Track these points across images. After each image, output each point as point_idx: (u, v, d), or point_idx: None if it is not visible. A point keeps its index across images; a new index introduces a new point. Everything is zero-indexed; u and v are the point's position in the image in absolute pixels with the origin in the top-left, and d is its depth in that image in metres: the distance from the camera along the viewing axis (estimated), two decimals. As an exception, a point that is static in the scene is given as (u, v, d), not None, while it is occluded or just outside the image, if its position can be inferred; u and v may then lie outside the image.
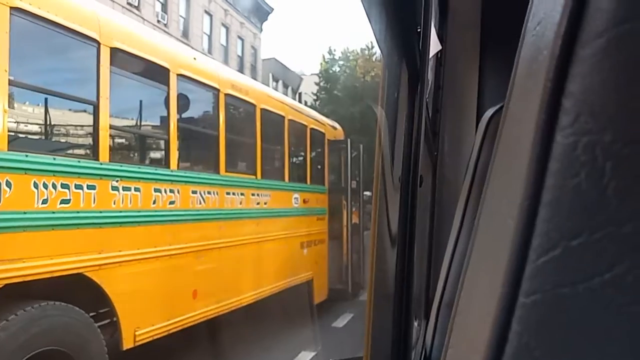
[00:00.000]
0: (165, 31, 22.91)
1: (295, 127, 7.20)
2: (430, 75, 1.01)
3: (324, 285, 7.76)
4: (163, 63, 4.67)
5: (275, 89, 36.16)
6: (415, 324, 1.07)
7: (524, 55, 0.31)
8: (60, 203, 3.44)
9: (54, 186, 3.37)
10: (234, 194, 5.60)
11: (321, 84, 31.38)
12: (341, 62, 31.23)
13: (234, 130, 5.80)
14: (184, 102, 5.02)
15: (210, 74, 5.50)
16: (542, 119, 0.27)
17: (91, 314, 3.72)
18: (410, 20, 0.75)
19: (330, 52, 32.27)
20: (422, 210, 0.98)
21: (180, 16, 24.65)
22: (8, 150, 3.17)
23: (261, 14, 32.03)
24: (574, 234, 0.26)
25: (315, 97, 31.85)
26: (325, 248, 7.94)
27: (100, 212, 3.74)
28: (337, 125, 9.12)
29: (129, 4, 20.83)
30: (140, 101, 4.71)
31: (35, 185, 3.23)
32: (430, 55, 0.87)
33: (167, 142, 4.58)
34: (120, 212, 3.93)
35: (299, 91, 39.25)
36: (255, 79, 32.26)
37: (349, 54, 31.10)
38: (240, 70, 30.09)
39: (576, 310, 0.26)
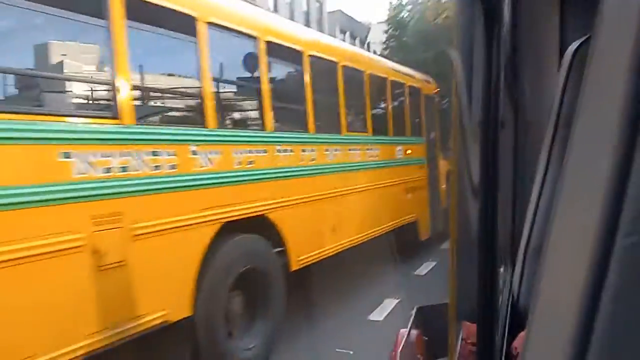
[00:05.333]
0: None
1: (396, 87, 8.07)
2: (507, 12, 0.95)
3: (427, 226, 8.72)
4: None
5: (343, 40, 35.66)
6: (501, 270, 1.06)
7: None
8: (248, 164, 4.57)
9: (244, 152, 4.55)
10: (352, 150, 6.62)
11: (390, 31, 30.44)
12: (409, 7, 30.04)
13: (350, 96, 6.63)
14: (330, 82, 6.28)
15: (352, 56, 6.98)
16: (636, 48, 0.25)
17: (270, 244, 4.82)
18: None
19: (397, -3, 31.11)
20: (505, 154, 0.95)
21: (244, -24, 24.63)
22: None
23: (324, -36, 31.32)
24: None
25: (384, 46, 31.06)
26: (426, 193, 8.84)
27: (272, 169, 4.91)
28: (430, 79, 9.86)
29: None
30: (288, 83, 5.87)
31: (235, 152, 4.43)
32: (507, -10, 0.82)
33: (306, 113, 5.62)
34: (284, 168, 5.10)
35: (367, 41, 38.42)
36: (322, 32, 31.93)
37: (417, -3, 29.86)
38: (307, 25, 29.86)
39: None
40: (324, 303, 5.68)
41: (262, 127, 4.90)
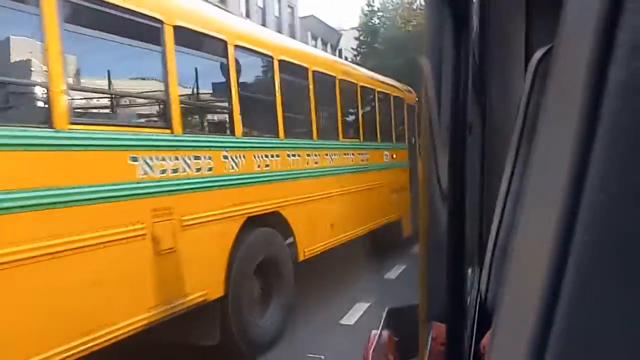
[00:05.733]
0: (201, -4, 22.85)
1: (382, 97, 8.94)
2: (475, 19, 0.98)
3: (409, 224, 9.39)
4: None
5: (315, 47, 35.67)
6: (469, 271, 1.08)
7: None
8: (265, 166, 5.26)
9: (262, 157, 5.22)
10: (347, 154, 7.37)
11: (361, 38, 30.65)
12: (380, 14, 30.29)
13: (344, 106, 7.42)
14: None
15: (346, 71, 7.83)
16: (596, 54, 0.26)
17: (282, 237, 5.49)
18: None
19: (368, 4, 31.31)
20: (473, 158, 0.97)
21: (215, -20, 24.43)
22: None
23: (296, -30, 31.38)
24: (631, 171, 0.26)
25: (355, 53, 31.23)
26: (408, 194, 9.50)
27: (282, 171, 5.58)
28: (411, 89, 10.56)
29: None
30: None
31: (254, 157, 5.09)
32: (474, -2, 0.85)
33: (310, 122, 6.39)
34: (293, 170, 5.81)
35: (339, 47, 38.58)
36: (293, 38, 31.86)
37: (388, 4, 30.13)
38: (279, 31, 29.82)
39: (636, 245, 0.26)
40: (295, 308, 5.68)
41: (276, 134, 5.57)
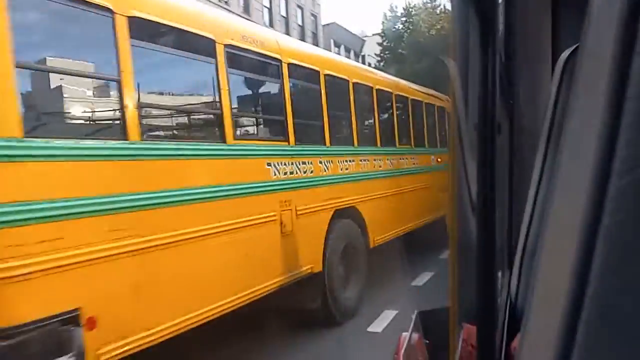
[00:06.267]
0: (226, 8, 23.16)
1: (429, 108, 10.18)
2: (501, 20, 0.98)
3: None
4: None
5: (338, 54, 35.71)
6: (499, 273, 1.07)
7: None
8: (345, 169, 6.51)
9: (343, 161, 6.49)
10: (402, 158, 8.62)
11: (384, 43, 30.62)
12: (404, 19, 30.23)
13: (399, 117, 8.82)
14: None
15: (403, 87, 9.20)
16: (619, 52, 0.26)
17: (358, 227, 6.57)
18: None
19: (391, 10, 31.29)
20: (501, 159, 0.96)
21: (240, -9, 24.69)
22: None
23: (318, -22, 31.52)
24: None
25: (379, 58, 31.21)
26: None
27: (356, 173, 6.79)
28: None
29: (189, -16, 21.14)
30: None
31: (339, 162, 6.38)
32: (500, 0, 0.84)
33: (375, 131, 7.76)
34: (365, 172, 7.04)
35: (362, 53, 38.57)
36: (317, 46, 31.93)
37: (411, 9, 30.04)
38: (302, 39, 29.98)
39: None
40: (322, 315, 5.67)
41: (352, 143, 6.86)
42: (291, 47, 5.91)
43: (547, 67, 1.08)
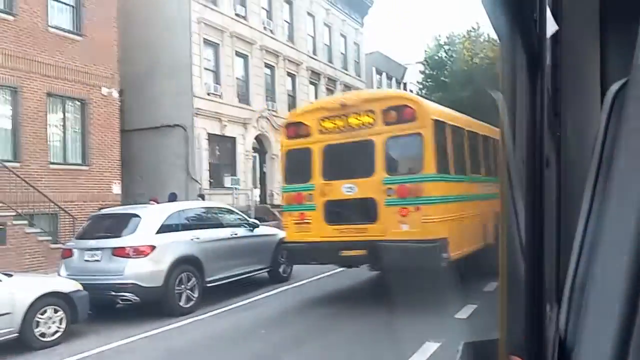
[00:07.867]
0: (271, 37, 23.74)
1: (489, 140, 12.12)
2: (548, 54, 0.99)
3: None
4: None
5: (379, 81, 35.91)
6: (547, 308, 1.06)
7: None
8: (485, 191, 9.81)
9: (484, 185, 10.14)
10: (489, 185, 10.50)
11: (427, 71, 30.61)
12: (447, 47, 30.20)
13: (471, 149, 10.72)
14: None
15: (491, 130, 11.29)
16: None
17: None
18: (527, 3, 0.75)
19: (435, 38, 31.31)
20: (549, 193, 0.96)
21: (285, 21, 25.32)
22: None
23: (362, 8, 32.02)
24: None
25: (421, 86, 31.17)
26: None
27: (488, 194, 9.61)
28: None
29: (237, 14, 21.85)
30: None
31: (477, 186, 9.80)
32: (548, 35, 0.86)
33: (480, 166, 10.57)
34: (486, 194, 9.69)
35: (404, 81, 38.66)
36: (359, 74, 32.14)
37: (454, 38, 30.00)
38: (345, 67, 30.34)
39: None
40: (361, 344, 5.58)
41: (480, 173, 10.11)
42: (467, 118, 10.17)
43: (596, 100, 1.08)
